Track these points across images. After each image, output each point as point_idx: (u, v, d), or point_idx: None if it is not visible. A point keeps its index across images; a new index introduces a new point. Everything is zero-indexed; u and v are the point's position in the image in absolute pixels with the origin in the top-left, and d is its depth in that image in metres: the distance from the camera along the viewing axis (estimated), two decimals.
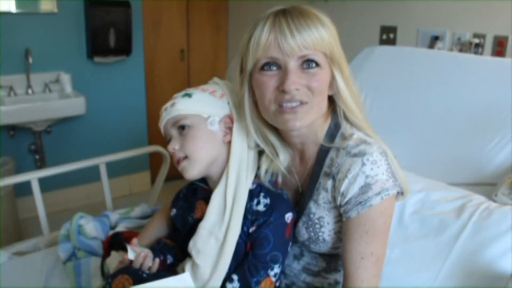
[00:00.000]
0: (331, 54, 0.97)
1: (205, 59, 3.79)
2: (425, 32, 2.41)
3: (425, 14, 2.41)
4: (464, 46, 2.24)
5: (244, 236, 1.04)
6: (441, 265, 1.17)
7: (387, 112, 1.71)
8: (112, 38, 3.06)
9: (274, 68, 0.97)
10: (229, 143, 1.10)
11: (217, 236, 1.03)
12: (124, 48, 3.17)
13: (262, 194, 1.06)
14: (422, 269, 1.19)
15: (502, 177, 1.36)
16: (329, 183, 1.01)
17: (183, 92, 1.14)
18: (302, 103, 0.97)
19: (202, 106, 1.10)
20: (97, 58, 3.10)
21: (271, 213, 1.03)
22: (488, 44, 2.16)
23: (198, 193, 1.17)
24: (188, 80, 3.73)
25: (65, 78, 2.94)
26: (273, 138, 1.09)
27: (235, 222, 1.03)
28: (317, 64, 0.96)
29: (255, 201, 1.05)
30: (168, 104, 1.12)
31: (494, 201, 1.28)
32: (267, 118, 1.03)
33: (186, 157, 1.08)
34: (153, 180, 3.61)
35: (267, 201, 1.05)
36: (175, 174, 3.09)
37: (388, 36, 2.60)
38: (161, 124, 1.14)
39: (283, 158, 1.09)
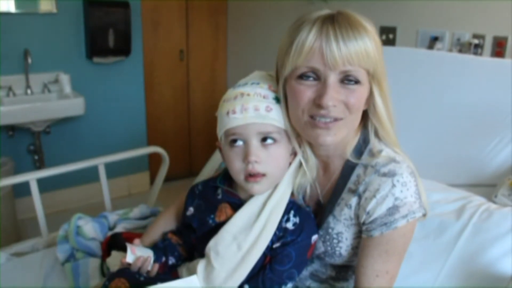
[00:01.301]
0: (373, 71, 0.93)
1: (205, 60, 3.79)
2: (424, 33, 2.41)
3: (425, 15, 2.41)
4: (463, 47, 2.23)
5: (266, 250, 1.01)
6: (441, 266, 1.17)
7: None
8: (111, 38, 3.06)
9: (312, 78, 0.93)
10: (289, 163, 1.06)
11: (240, 244, 1.00)
12: (123, 48, 3.16)
13: (292, 212, 1.03)
14: (422, 270, 1.19)
15: (502, 178, 1.36)
16: (354, 200, 0.99)
17: (270, 92, 1.02)
18: (336, 119, 0.93)
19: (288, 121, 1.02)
20: (96, 58, 3.10)
21: (299, 233, 1.01)
22: (488, 45, 2.16)
23: (221, 195, 1.10)
24: (188, 81, 3.72)
25: (64, 78, 2.94)
26: (306, 147, 1.05)
27: (265, 235, 1.00)
28: (357, 81, 0.92)
29: (285, 217, 1.02)
30: (260, 105, 0.98)
31: (494, 202, 1.29)
32: (297, 127, 1.00)
33: (264, 175, 1.00)
34: (152, 181, 3.61)
35: (296, 220, 1.02)
36: (174, 175, 3.10)
37: (387, 36, 2.59)
38: (239, 122, 0.98)
39: (313, 167, 1.06)
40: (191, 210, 1.16)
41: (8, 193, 2.67)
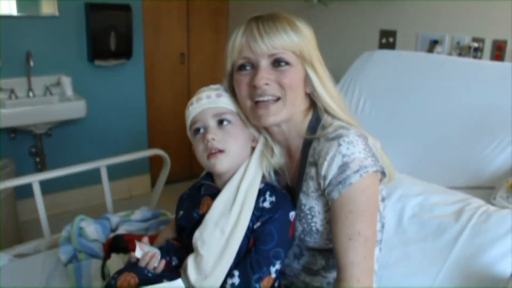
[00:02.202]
0: (300, 53, 1.04)
1: (205, 63, 3.80)
2: (424, 36, 2.42)
3: (425, 18, 2.42)
4: (463, 50, 2.25)
5: (248, 232, 1.06)
6: (439, 268, 1.18)
7: (387, 116, 1.72)
8: (113, 41, 3.08)
9: (249, 68, 1.06)
10: (253, 148, 1.15)
11: (223, 228, 1.06)
12: (124, 51, 3.18)
13: (268, 193, 1.09)
14: (421, 271, 1.20)
15: (501, 180, 1.37)
16: (313, 171, 1.04)
17: (221, 86, 1.17)
18: (275, 98, 1.04)
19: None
20: (97, 61, 3.11)
21: (276, 210, 1.06)
22: (487, 48, 2.17)
23: (204, 190, 1.18)
24: (188, 84, 3.74)
25: (66, 81, 2.95)
26: (265, 134, 1.14)
27: (244, 216, 1.06)
28: (287, 63, 1.03)
29: (262, 198, 1.08)
30: (212, 93, 1.13)
31: (493, 204, 1.29)
32: (246, 114, 1.10)
33: (222, 151, 1.09)
34: (153, 183, 3.62)
35: (273, 199, 1.08)
36: (174, 177, 3.11)
37: (387, 40, 2.61)
38: (196, 110, 1.13)
39: (278, 153, 1.14)
40: (181, 213, 1.22)
41: (10, 195, 2.68)
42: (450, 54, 2.29)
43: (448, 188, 1.38)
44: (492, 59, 2.13)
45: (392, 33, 2.58)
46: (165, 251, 1.19)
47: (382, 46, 2.62)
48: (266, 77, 1.02)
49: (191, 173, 3.79)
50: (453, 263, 1.17)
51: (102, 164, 1.81)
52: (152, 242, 1.29)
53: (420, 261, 1.21)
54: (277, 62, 1.03)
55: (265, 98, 1.03)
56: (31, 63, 2.79)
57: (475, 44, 2.19)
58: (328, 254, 1.12)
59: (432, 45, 2.35)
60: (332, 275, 1.13)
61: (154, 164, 3.61)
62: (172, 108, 3.68)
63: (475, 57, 2.18)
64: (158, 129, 3.63)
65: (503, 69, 1.60)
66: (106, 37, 3.05)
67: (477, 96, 1.57)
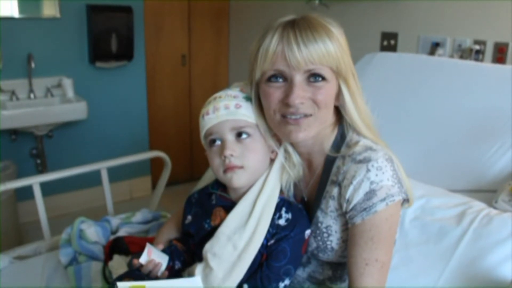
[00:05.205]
0: (337, 68, 0.98)
1: (207, 65, 3.81)
2: (425, 39, 2.42)
3: (426, 21, 2.42)
4: (464, 53, 2.24)
5: (262, 248, 1.03)
6: (441, 271, 1.17)
7: (388, 119, 1.71)
8: (114, 43, 3.08)
9: (281, 80, 0.99)
10: (272, 160, 1.10)
11: (235, 243, 1.02)
12: (125, 53, 3.18)
13: (284, 209, 1.05)
14: (422, 275, 1.19)
15: (503, 183, 1.36)
16: (335, 191, 1.02)
17: (240, 93, 1.10)
18: (306, 115, 0.98)
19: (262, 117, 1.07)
20: (99, 63, 3.12)
21: (292, 228, 1.03)
22: (489, 51, 2.17)
23: (215, 199, 1.14)
24: (190, 86, 3.74)
25: (67, 83, 2.95)
26: (288, 145, 1.09)
27: (259, 233, 1.02)
28: (323, 78, 0.97)
29: (277, 215, 1.04)
30: (230, 103, 1.06)
31: (495, 207, 1.29)
32: (272, 127, 1.05)
33: (241, 167, 1.04)
34: (153, 185, 3.62)
35: (289, 216, 1.04)
36: (175, 179, 3.11)
37: (389, 42, 2.61)
38: (213, 121, 1.06)
39: (298, 165, 1.09)
40: (189, 218, 1.19)
41: (10, 197, 2.68)
42: (451, 56, 2.29)
43: (450, 191, 1.38)
44: (493, 62, 2.13)
45: (394, 36, 2.58)
46: (168, 255, 1.14)
47: (383, 48, 2.62)
48: (301, 95, 0.96)
49: (192, 175, 3.79)
50: (454, 266, 1.16)
51: (102, 166, 1.80)
52: (151, 241, 1.27)
53: (422, 264, 1.20)
54: (313, 78, 0.97)
55: (298, 117, 0.98)
56: (32, 65, 2.80)
57: (477, 47, 2.19)
58: (336, 266, 1.10)
59: (434, 48, 2.35)
60: (338, 286, 1.11)
61: (155, 166, 3.61)
62: (173, 110, 3.69)
63: (476, 59, 2.18)
64: (159, 131, 3.63)
65: (505, 72, 1.60)
66: (107, 38, 3.05)
67: (479, 99, 1.57)
